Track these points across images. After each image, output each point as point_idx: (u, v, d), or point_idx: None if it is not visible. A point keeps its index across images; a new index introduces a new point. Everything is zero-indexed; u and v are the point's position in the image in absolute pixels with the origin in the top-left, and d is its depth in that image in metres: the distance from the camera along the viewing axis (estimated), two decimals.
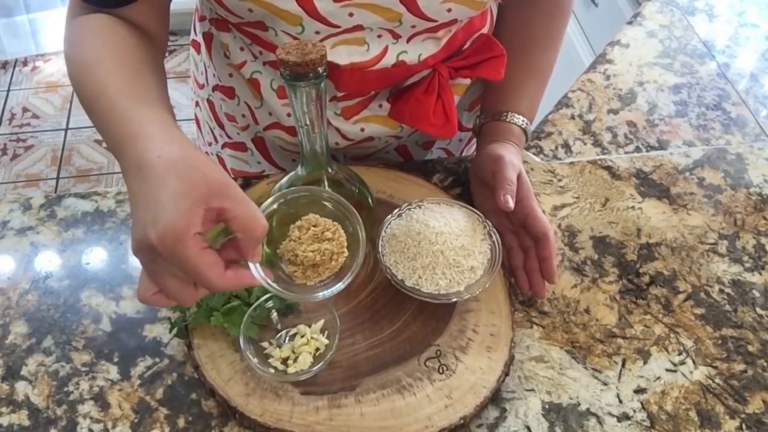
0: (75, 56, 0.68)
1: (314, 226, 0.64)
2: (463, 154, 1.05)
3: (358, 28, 0.72)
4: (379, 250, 0.75)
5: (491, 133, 0.85)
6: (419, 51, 0.77)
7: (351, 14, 0.69)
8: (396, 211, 0.78)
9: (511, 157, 0.79)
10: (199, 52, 0.96)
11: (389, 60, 0.76)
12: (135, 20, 0.72)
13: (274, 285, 0.60)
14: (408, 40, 0.75)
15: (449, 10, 0.71)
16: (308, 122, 0.65)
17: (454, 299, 0.73)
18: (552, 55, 0.90)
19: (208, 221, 0.53)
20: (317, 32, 0.71)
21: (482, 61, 0.82)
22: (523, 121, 0.85)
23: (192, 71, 1.02)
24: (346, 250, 0.63)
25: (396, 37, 0.74)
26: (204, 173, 0.53)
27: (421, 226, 0.75)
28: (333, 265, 0.63)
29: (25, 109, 2.61)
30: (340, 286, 0.62)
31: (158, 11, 0.74)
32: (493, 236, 0.76)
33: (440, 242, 0.73)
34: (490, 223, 0.77)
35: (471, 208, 0.79)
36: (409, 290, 0.72)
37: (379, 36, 0.74)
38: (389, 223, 0.78)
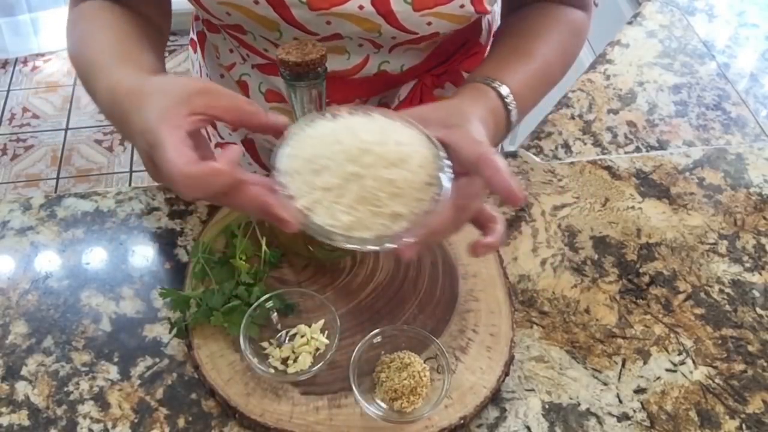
0: (71, 36, 0.72)
1: (392, 361, 0.69)
2: None
3: (337, 36, 0.71)
4: (279, 150, 0.56)
5: (466, 88, 0.67)
6: (401, 62, 0.77)
7: (328, 22, 0.68)
8: (327, 111, 0.59)
9: (477, 124, 0.59)
10: (195, 51, 0.96)
11: (371, 69, 0.76)
12: (136, 7, 0.73)
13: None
14: (389, 51, 0.75)
15: (429, 24, 0.69)
16: None
17: (346, 245, 0.51)
18: (558, 57, 0.76)
19: (195, 122, 0.54)
20: (295, 38, 0.71)
21: (461, 62, 0.82)
22: (507, 92, 0.65)
23: (190, 71, 1.03)
24: (427, 370, 0.68)
25: (377, 47, 0.74)
26: (183, 79, 0.56)
27: (346, 133, 0.54)
28: (425, 382, 0.68)
29: (25, 109, 2.61)
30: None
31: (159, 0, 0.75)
32: (444, 182, 0.53)
33: (363, 164, 0.52)
34: (449, 162, 0.54)
35: (429, 134, 0.56)
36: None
37: (360, 45, 0.73)
38: (312, 120, 0.57)
